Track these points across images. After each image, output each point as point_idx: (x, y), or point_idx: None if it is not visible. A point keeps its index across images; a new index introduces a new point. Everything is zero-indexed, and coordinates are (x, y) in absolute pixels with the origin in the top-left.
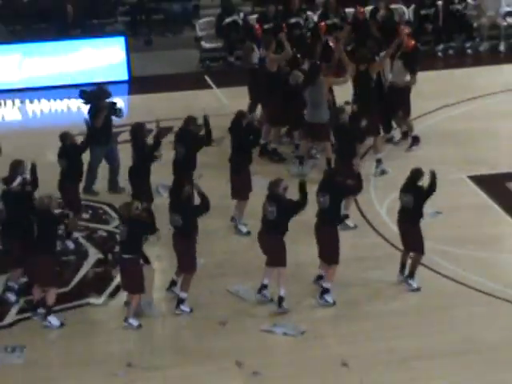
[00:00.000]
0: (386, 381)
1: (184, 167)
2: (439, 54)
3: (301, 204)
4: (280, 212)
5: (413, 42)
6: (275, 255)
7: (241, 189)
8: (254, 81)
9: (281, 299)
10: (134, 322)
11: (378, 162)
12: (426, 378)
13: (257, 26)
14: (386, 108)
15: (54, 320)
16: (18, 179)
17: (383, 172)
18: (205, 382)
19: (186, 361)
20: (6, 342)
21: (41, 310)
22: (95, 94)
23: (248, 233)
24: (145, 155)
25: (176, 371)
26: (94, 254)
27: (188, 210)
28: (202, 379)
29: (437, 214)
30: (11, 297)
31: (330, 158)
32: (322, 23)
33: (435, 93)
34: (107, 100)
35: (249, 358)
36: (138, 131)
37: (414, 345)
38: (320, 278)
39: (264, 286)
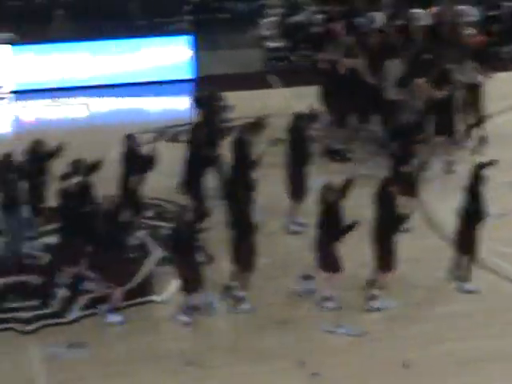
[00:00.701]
0: None
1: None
2: (504, 55)
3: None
4: None
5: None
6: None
7: (294, 189)
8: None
9: (326, 299)
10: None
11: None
12: (487, 381)
13: (338, 27)
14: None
15: (115, 317)
16: (75, 178)
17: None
18: (264, 381)
19: (246, 359)
20: (68, 338)
21: (104, 307)
22: (208, 99)
23: (295, 232)
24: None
25: (236, 369)
26: (156, 252)
27: None
28: (262, 378)
29: (502, 215)
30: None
31: None
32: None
33: (499, 95)
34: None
35: (310, 358)
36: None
37: (475, 347)
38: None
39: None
